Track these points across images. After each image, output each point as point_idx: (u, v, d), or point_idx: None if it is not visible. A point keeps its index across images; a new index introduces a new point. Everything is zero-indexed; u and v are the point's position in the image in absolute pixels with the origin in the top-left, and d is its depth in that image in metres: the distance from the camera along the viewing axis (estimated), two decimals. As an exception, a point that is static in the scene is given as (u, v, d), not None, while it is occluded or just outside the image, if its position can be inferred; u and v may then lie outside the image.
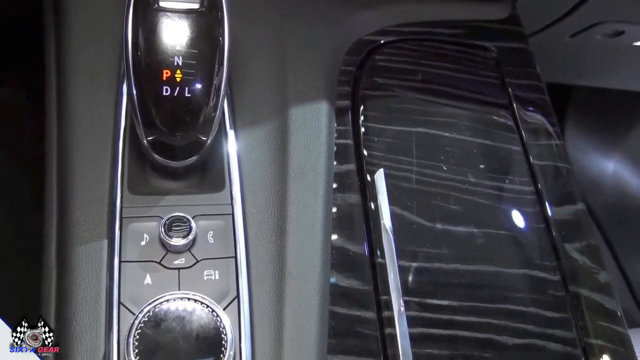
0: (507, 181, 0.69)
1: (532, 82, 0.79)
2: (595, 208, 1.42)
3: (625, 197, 1.51)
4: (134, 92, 0.51)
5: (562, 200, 0.69)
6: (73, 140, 0.57)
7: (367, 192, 0.64)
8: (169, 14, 0.51)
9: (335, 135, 0.66)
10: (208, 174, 0.59)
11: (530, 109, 0.75)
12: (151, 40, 0.50)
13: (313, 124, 0.64)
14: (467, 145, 0.70)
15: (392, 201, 0.63)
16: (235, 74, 0.64)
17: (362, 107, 0.69)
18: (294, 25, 0.69)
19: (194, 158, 0.55)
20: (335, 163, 0.64)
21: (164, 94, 0.50)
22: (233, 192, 0.58)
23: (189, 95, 0.51)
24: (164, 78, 0.50)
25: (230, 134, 0.61)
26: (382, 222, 0.62)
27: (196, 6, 0.52)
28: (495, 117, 0.74)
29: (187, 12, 0.52)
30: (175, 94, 0.50)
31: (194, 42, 0.51)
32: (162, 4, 0.51)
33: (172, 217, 0.54)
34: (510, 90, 0.76)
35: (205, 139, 0.54)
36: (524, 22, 0.86)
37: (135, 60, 0.50)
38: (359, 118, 0.68)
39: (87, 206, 0.55)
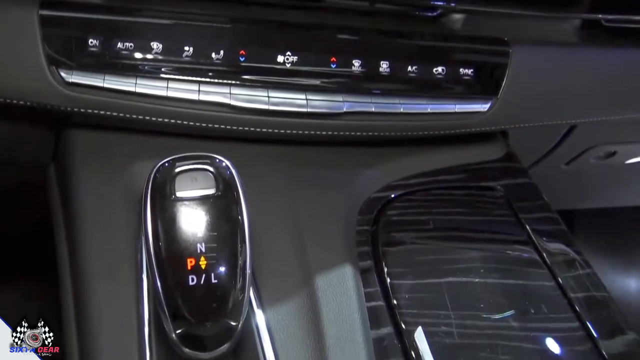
0: (550, 320, 0.65)
1: (546, 214, 0.79)
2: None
3: (656, 314, 1.46)
4: (159, 285, 0.49)
5: (612, 332, 0.66)
6: (96, 347, 0.54)
7: (410, 354, 0.60)
8: (186, 202, 0.51)
9: (365, 298, 0.63)
10: (241, 361, 0.55)
11: (552, 241, 0.74)
12: (172, 231, 0.49)
13: (341, 290, 0.61)
14: (500, 288, 0.67)
15: (438, 360, 0.59)
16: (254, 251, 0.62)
17: (385, 265, 0.67)
18: (303, 194, 0.70)
19: (225, 346, 0.52)
20: (371, 328, 0.61)
21: (190, 283, 0.48)
22: None
23: (216, 280, 0.49)
24: (189, 267, 0.48)
25: (259, 313, 0.58)
26: (433, 386, 0.57)
27: (212, 191, 0.52)
28: (520, 255, 0.72)
29: (204, 198, 0.52)
30: (202, 282, 0.48)
31: (214, 225, 0.50)
32: (179, 194, 0.51)
33: None
34: (527, 225, 0.75)
35: (235, 324, 0.51)
36: (520, 157, 0.88)
37: (158, 254, 0.49)
38: (385, 277, 0.66)
39: None
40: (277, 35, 0.67)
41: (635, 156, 1.06)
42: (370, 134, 0.73)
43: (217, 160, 0.54)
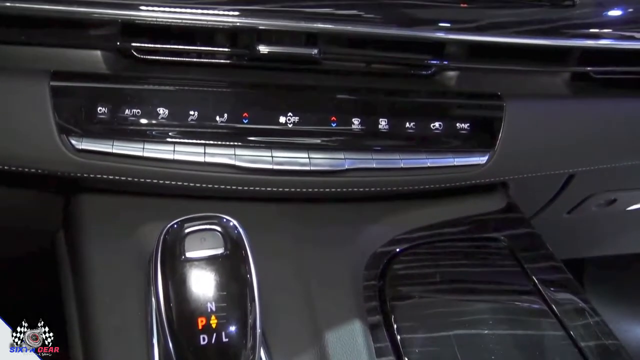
0: (563, 370, 0.65)
1: (550, 263, 0.79)
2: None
3: (673, 363, 1.43)
4: (171, 346, 0.49)
5: (626, 380, 0.65)
6: None
7: None
8: (196, 262, 0.52)
9: (375, 354, 0.63)
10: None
11: (559, 290, 0.74)
12: (183, 291, 0.50)
13: (351, 346, 0.61)
14: (510, 339, 0.67)
15: (451, 415, 0.58)
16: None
17: (394, 320, 0.67)
18: (309, 251, 0.71)
19: (237, 407, 0.51)
20: None
21: (202, 343, 0.49)
22: None
23: (227, 339, 0.49)
24: (200, 327, 0.49)
25: None
26: None
27: (221, 251, 0.53)
28: (528, 305, 0.72)
29: (214, 258, 0.52)
30: (213, 341, 0.49)
31: (224, 285, 0.51)
32: (188, 254, 0.52)
33: None
34: (533, 275, 0.75)
35: (246, 384, 0.51)
36: (521, 207, 0.89)
37: (169, 314, 0.49)
38: (394, 332, 0.66)
39: None
40: (278, 97, 0.69)
41: (636, 203, 1.07)
42: (373, 189, 0.74)
43: (225, 220, 0.55)
